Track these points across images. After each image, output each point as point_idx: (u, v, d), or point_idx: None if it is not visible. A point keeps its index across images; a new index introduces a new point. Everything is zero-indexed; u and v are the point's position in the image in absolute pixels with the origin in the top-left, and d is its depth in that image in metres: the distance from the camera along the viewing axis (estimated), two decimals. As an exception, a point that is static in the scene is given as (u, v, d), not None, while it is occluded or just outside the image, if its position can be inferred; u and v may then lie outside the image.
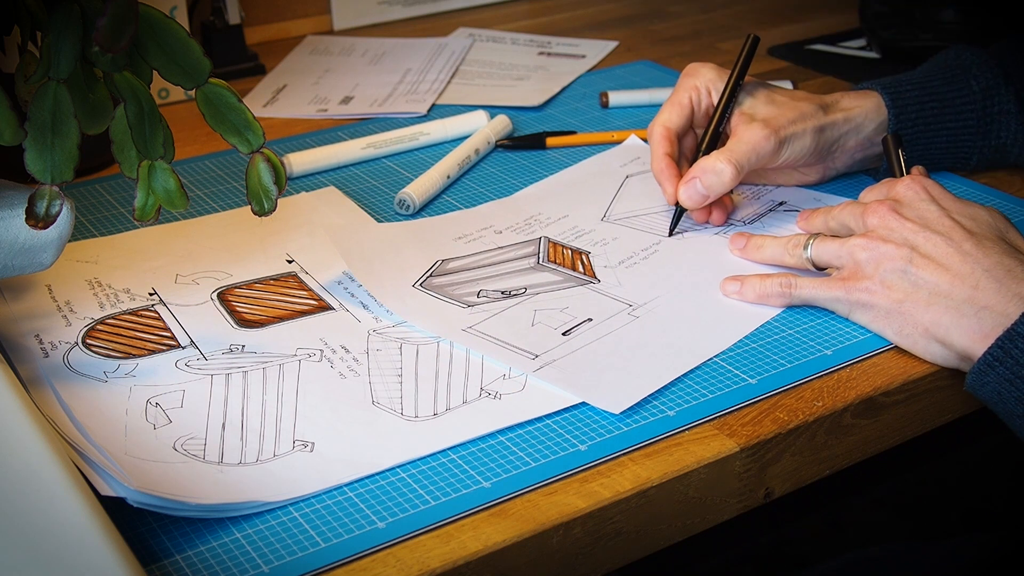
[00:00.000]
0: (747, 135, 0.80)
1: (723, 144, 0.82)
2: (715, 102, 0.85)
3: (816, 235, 0.75)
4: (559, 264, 0.77)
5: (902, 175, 0.78)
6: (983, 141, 0.86)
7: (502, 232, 0.81)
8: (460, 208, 0.88)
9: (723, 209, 0.84)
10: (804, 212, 0.82)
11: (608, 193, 0.88)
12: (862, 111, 0.85)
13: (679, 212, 0.82)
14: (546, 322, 0.71)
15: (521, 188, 0.91)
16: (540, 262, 0.77)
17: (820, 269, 0.75)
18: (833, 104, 0.85)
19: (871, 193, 0.76)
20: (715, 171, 0.79)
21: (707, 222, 0.84)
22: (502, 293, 0.72)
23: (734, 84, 0.84)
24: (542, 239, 0.81)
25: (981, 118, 0.86)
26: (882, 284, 0.69)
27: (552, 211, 0.85)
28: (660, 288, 0.76)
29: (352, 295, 0.76)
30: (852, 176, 0.90)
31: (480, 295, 0.72)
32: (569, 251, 0.79)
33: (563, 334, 0.70)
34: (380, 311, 0.74)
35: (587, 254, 0.79)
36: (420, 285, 0.73)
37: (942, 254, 0.68)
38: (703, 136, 0.84)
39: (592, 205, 0.86)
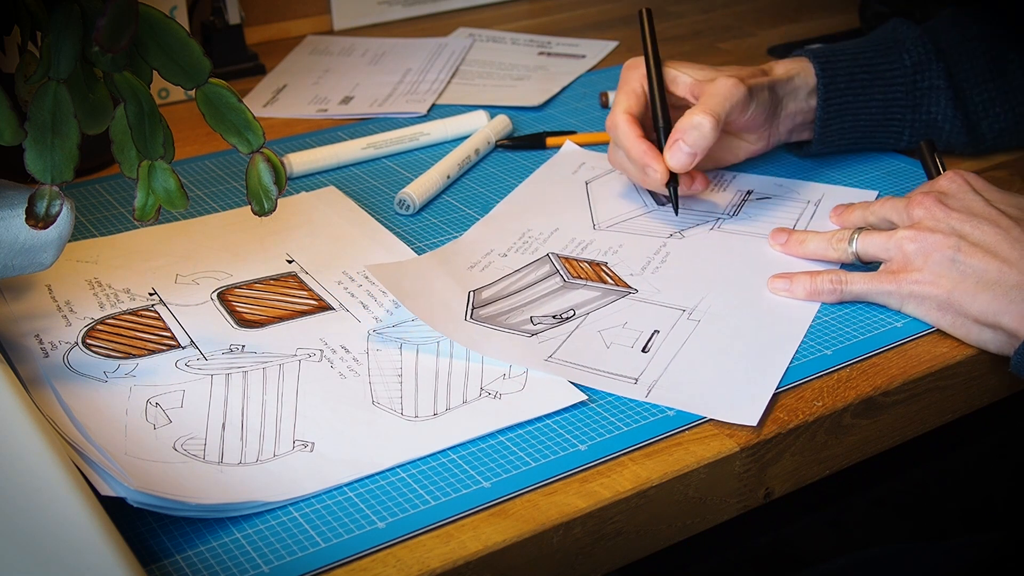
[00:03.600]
0: (716, 88, 0.81)
1: (675, 125, 0.82)
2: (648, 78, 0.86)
3: (860, 229, 0.76)
4: (586, 279, 0.76)
5: (939, 175, 0.79)
6: (913, 115, 0.88)
7: (507, 255, 0.79)
8: (460, 208, 0.88)
9: (703, 177, 0.84)
10: (838, 208, 0.83)
11: (580, 201, 0.87)
12: (800, 75, 0.86)
13: (674, 188, 0.82)
14: (618, 341, 0.70)
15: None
16: (567, 280, 0.76)
17: (865, 264, 0.75)
18: (769, 69, 0.87)
19: (913, 192, 0.77)
20: (694, 125, 0.80)
21: (694, 193, 0.84)
22: (554, 317, 0.71)
23: (653, 52, 0.86)
24: (550, 256, 0.79)
25: (910, 91, 0.87)
26: (932, 275, 0.70)
27: (539, 226, 0.84)
28: (697, 289, 0.75)
29: (352, 295, 0.76)
30: (843, 160, 0.90)
31: (534, 322, 0.71)
32: (586, 264, 0.78)
33: (643, 351, 0.69)
34: (380, 311, 0.74)
35: (604, 264, 0.78)
36: (471, 318, 0.71)
37: (991, 241, 0.69)
38: (653, 108, 0.85)
39: (574, 215, 0.85)
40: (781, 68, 0.87)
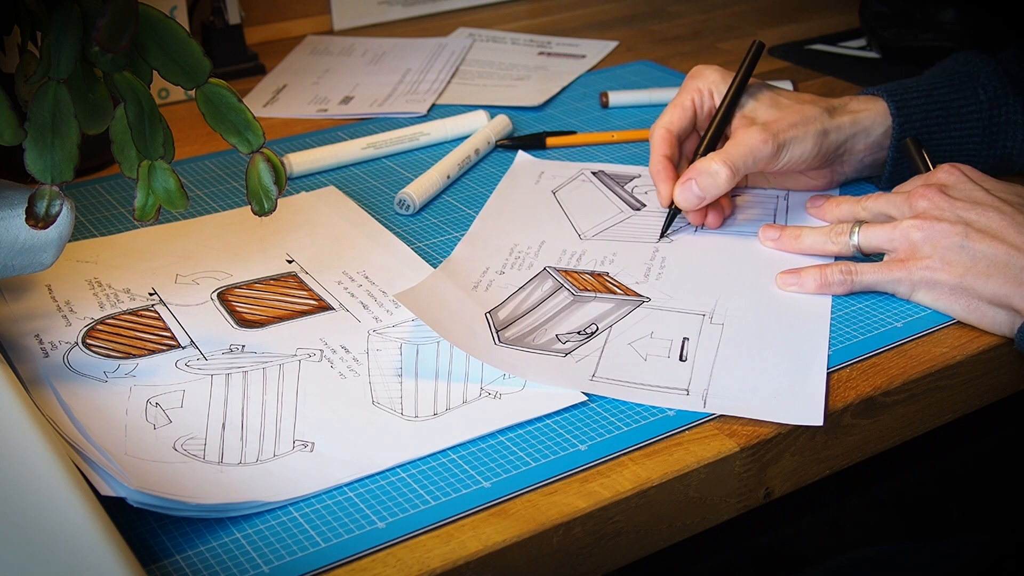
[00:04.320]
0: (744, 138, 0.80)
1: (723, 147, 0.82)
2: (718, 105, 0.85)
3: (860, 222, 0.76)
4: (593, 291, 0.76)
5: (929, 171, 0.79)
6: (988, 151, 0.86)
7: (504, 272, 0.78)
8: (460, 208, 0.88)
9: (719, 212, 0.83)
10: (816, 199, 0.82)
11: (555, 212, 0.87)
12: (870, 114, 0.84)
13: (672, 214, 0.82)
14: (652, 352, 0.69)
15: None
16: (576, 294, 0.75)
17: (865, 256, 0.76)
18: (840, 107, 0.84)
19: (907, 185, 0.78)
20: (710, 173, 0.79)
21: (702, 225, 0.83)
22: (579, 334, 0.71)
23: (736, 88, 0.84)
24: (548, 270, 0.78)
25: (987, 127, 0.85)
26: (942, 261, 0.71)
27: (526, 241, 0.82)
28: (708, 292, 0.75)
29: (352, 295, 0.76)
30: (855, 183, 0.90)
31: (561, 340, 0.70)
32: (588, 276, 0.78)
33: (680, 360, 0.68)
34: (380, 311, 0.74)
35: (606, 275, 0.78)
36: (500, 342, 0.70)
37: (996, 227, 0.70)
38: (702, 138, 0.84)
39: (556, 226, 0.84)
40: (852, 106, 0.84)
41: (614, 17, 1.34)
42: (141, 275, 0.78)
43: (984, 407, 0.73)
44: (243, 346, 0.70)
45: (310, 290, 0.76)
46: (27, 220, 0.60)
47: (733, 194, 0.87)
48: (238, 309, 0.74)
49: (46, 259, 0.66)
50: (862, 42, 1.21)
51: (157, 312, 0.74)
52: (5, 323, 0.72)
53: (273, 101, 1.09)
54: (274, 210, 0.64)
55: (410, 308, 0.71)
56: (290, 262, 0.80)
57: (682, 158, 0.85)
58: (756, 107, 0.83)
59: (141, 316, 0.73)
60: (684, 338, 0.70)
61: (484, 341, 0.70)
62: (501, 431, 0.63)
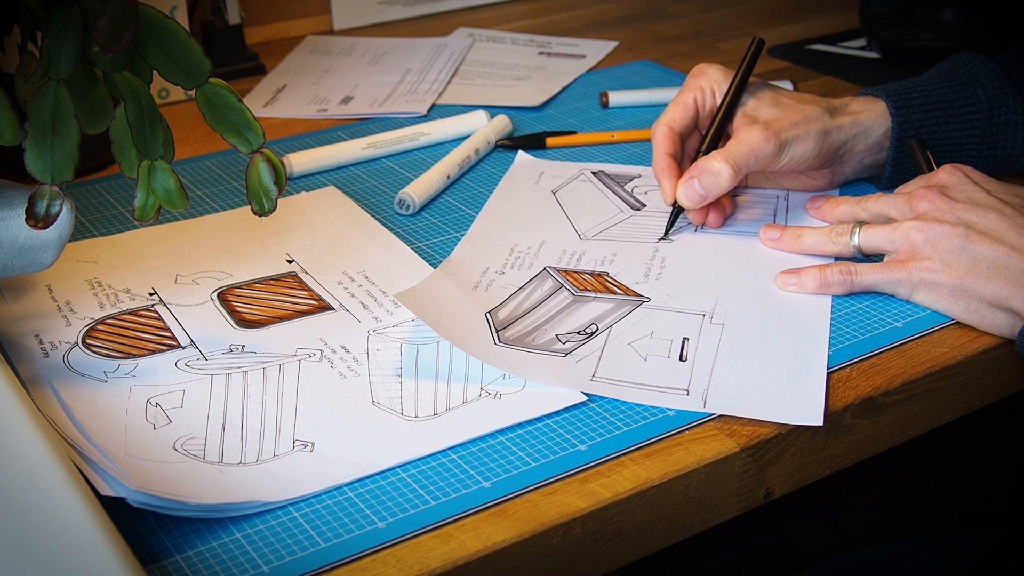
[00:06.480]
0: (746, 137, 0.80)
1: (724, 145, 0.82)
2: (719, 103, 0.85)
3: (861, 222, 0.76)
4: (593, 291, 0.76)
5: (931, 171, 0.79)
6: (988, 151, 0.86)
7: (504, 272, 0.78)
8: (460, 208, 0.88)
9: (720, 212, 0.83)
10: (816, 200, 0.83)
11: (555, 211, 0.87)
12: (870, 115, 0.84)
13: (676, 212, 0.82)
14: (652, 352, 0.69)
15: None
16: (576, 294, 0.75)
17: (866, 256, 0.76)
18: (841, 108, 0.84)
19: (908, 186, 0.78)
20: (713, 171, 0.79)
21: (703, 224, 0.84)
22: (579, 334, 0.71)
23: (737, 86, 0.84)
24: (548, 270, 0.78)
25: (987, 128, 0.85)
26: (942, 262, 0.71)
27: (526, 241, 0.82)
28: (708, 292, 0.75)
29: (352, 295, 0.76)
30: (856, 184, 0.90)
31: (561, 340, 0.70)
32: (588, 276, 0.78)
33: (680, 360, 0.68)
34: (380, 311, 0.74)
35: (606, 275, 0.78)
36: (500, 342, 0.70)
37: (997, 229, 0.71)
38: (704, 136, 0.84)
39: (556, 226, 0.84)
40: (852, 107, 0.84)
41: (614, 17, 1.34)
42: (141, 275, 0.78)
43: (984, 407, 0.73)
44: (243, 346, 0.70)
45: (310, 290, 0.76)
46: (27, 220, 0.60)
47: (733, 194, 0.87)
48: (238, 309, 0.74)
49: (46, 259, 0.66)
50: (862, 42, 1.21)
51: (157, 312, 0.74)
52: (5, 323, 0.72)
53: (273, 101, 1.09)
54: (274, 210, 0.64)
55: (410, 308, 0.71)
56: (290, 262, 0.80)
57: (684, 156, 0.85)
58: (758, 106, 0.83)
59: (141, 316, 0.73)
60: (684, 338, 0.70)
61: (484, 341, 0.70)
62: (501, 431, 0.63)
